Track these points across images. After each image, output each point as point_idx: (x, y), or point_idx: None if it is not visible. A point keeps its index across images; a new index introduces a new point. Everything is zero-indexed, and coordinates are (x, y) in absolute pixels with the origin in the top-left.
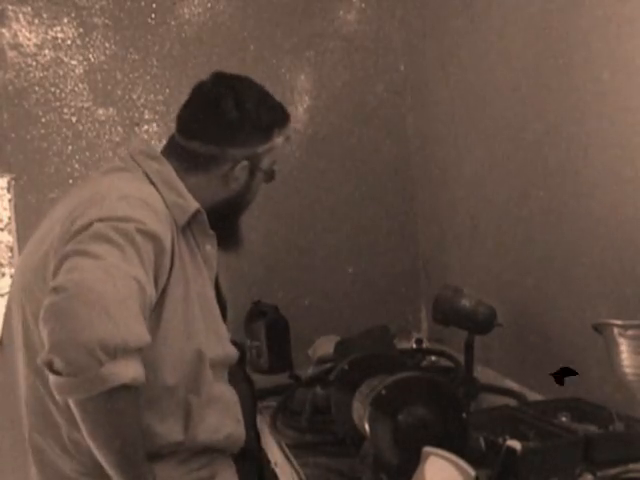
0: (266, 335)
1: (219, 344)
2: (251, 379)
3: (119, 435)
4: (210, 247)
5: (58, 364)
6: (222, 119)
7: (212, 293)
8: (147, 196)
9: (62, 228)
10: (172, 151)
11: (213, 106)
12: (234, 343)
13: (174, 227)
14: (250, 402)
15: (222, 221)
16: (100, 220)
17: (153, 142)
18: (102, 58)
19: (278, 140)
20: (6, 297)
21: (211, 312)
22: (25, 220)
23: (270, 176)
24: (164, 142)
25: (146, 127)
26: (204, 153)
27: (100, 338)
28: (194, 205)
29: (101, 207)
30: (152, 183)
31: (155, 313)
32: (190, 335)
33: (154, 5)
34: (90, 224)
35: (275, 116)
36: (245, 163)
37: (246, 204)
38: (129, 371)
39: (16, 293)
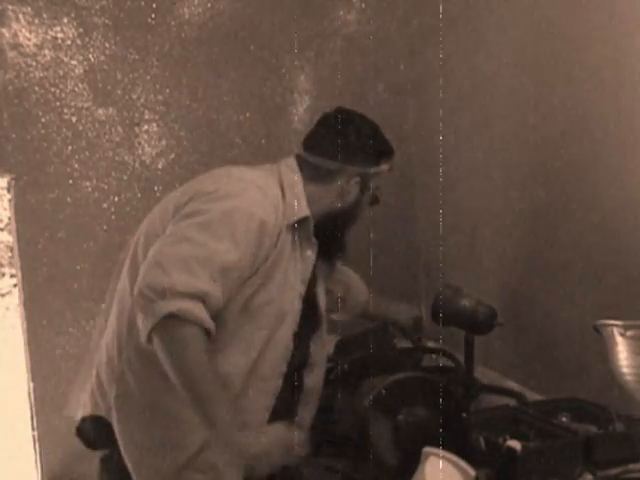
0: None
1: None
2: None
3: (186, 368)
4: (310, 252)
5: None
6: (344, 140)
7: (295, 292)
8: (268, 188)
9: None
10: (301, 166)
11: (337, 130)
12: None
13: (283, 222)
14: None
15: (332, 231)
16: (208, 194)
17: (153, 142)
18: (102, 58)
19: (384, 167)
20: (6, 297)
21: (290, 304)
22: (25, 220)
23: (375, 199)
24: (164, 142)
25: (146, 127)
26: (327, 167)
27: (148, 282)
28: (305, 211)
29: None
30: (282, 185)
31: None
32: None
33: (154, 5)
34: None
35: (385, 146)
36: (357, 179)
37: (354, 219)
38: (177, 304)
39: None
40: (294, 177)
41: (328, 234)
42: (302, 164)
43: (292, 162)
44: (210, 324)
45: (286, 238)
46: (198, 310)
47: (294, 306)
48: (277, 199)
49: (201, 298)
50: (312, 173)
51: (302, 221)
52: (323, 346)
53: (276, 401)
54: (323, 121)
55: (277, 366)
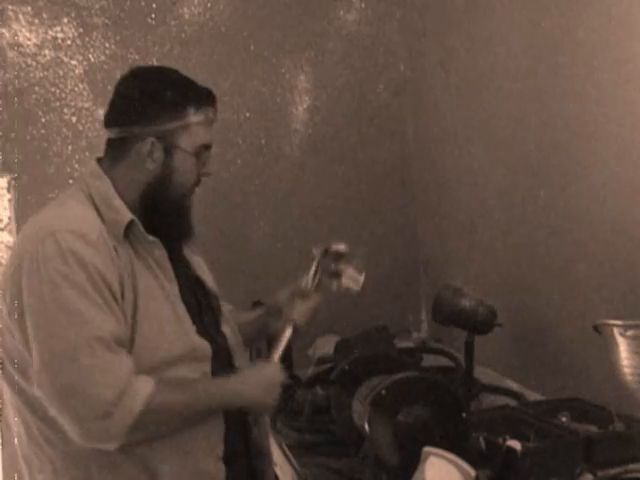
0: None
1: (180, 340)
2: None
3: (189, 409)
4: (158, 251)
5: None
6: (124, 100)
7: (172, 293)
8: (81, 226)
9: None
10: (106, 150)
11: (119, 91)
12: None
13: (112, 242)
14: None
15: (162, 212)
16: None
17: None
18: (102, 58)
19: (194, 118)
20: None
21: (171, 310)
22: (25, 220)
23: (200, 158)
24: None
25: None
26: (117, 138)
27: (90, 408)
28: (127, 217)
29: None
30: (94, 203)
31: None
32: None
33: (154, 5)
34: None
35: (187, 93)
36: (152, 139)
37: (177, 187)
38: (135, 398)
39: None
40: (101, 184)
41: (162, 218)
42: (106, 146)
43: (94, 167)
44: (151, 385)
45: (126, 254)
46: (144, 387)
47: (178, 307)
48: (96, 226)
49: (129, 377)
50: (112, 153)
51: (129, 227)
52: (233, 330)
53: None
54: (115, 89)
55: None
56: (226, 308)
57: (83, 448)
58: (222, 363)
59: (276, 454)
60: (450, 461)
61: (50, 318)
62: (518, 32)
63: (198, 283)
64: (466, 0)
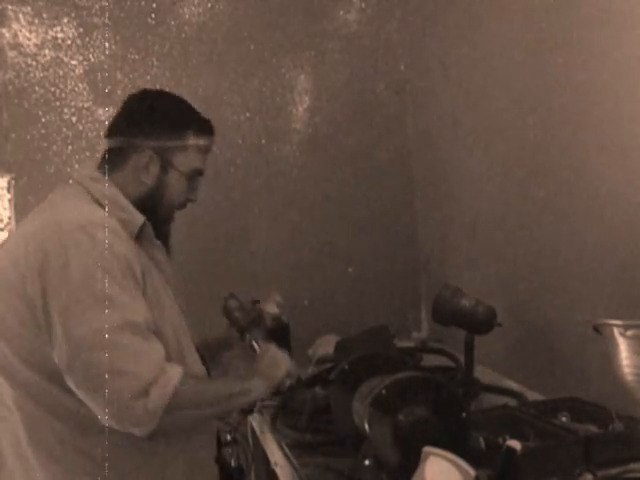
0: (266, 335)
1: (181, 340)
2: None
3: (213, 404)
4: (160, 254)
5: None
6: (129, 113)
7: (168, 299)
8: (104, 220)
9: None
10: (103, 158)
11: (126, 107)
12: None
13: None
14: None
15: (152, 223)
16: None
17: None
18: (102, 58)
19: (192, 142)
20: None
21: (176, 313)
22: None
23: (191, 182)
24: None
25: None
26: (116, 148)
27: (122, 395)
28: (140, 218)
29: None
30: (100, 205)
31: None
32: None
33: (154, 5)
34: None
35: (189, 117)
36: (150, 153)
37: (166, 205)
38: (165, 388)
39: None
40: (104, 187)
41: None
42: (105, 156)
43: (92, 172)
44: (181, 369)
45: (138, 251)
46: (175, 370)
47: (178, 308)
48: (114, 222)
49: (163, 360)
50: (111, 163)
51: (141, 228)
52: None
53: None
54: (122, 104)
55: (197, 368)
56: None
57: (88, 440)
58: None
59: (276, 454)
60: (450, 461)
61: (85, 304)
62: (518, 32)
63: None
64: (466, 0)
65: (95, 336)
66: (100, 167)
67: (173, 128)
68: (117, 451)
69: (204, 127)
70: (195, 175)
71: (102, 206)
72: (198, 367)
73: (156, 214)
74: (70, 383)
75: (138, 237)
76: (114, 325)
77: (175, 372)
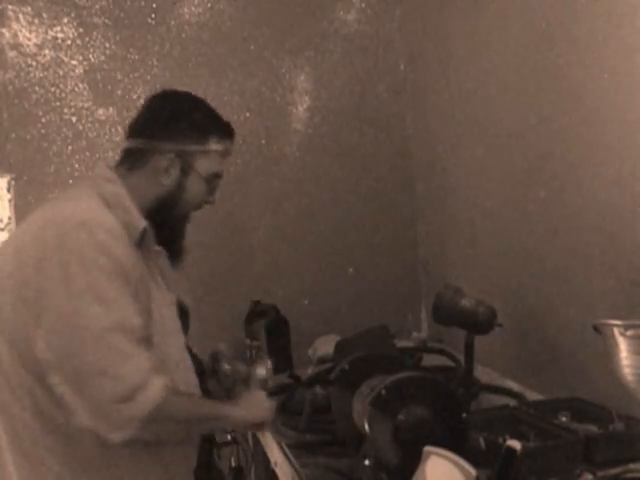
0: (266, 335)
1: (178, 351)
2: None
3: (192, 419)
4: (162, 261)
5: None
6: (152, 114)
7: (171, 305)
8: (107, 220)
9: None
10: (122, 158)
11: (149, 108)
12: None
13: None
14: None
15: (162, 227)
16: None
17: None
18: (102, 58)
19: (214, 147)
20: None
21: (174, 321)
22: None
23: (210, 185)
24: None
25: None
26: (136, 148)
27: (104, 397)
28: (141, 223)
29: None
30: (108, 205)
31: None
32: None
33: (154, 5)
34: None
35: (213, 122)
36: (172, 156)
37: (184, 207)
38: (151, 393)
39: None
40: (116, 189)
41: (161, 232)
42: (123, 155)
43: (108, 172)
44: (167, 378)
45: (138, 257)
46: (161, 380)
47: (175, 317)
48: (117, 224)
49: (151, 367)
50: (129, 161)
51: (142, 233)
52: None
53: None
54: (144, 104)
55: (189, 377)
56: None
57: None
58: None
59: (276, 454)
60: (452, 461)
61: (78, 301)
62: (518, 32)
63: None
64: (466, 0)
65: (87, 333)
66: (117, 167)
67: (197, 132)
68: (95, 460)
69: (226, 131)
70: (214, 178)
71: (110, 207)
72: (190, 378)
73: (171, 215)
74: (55, 379)
75: (140, 243)
76: (106, 325)
77: (161, 382)
